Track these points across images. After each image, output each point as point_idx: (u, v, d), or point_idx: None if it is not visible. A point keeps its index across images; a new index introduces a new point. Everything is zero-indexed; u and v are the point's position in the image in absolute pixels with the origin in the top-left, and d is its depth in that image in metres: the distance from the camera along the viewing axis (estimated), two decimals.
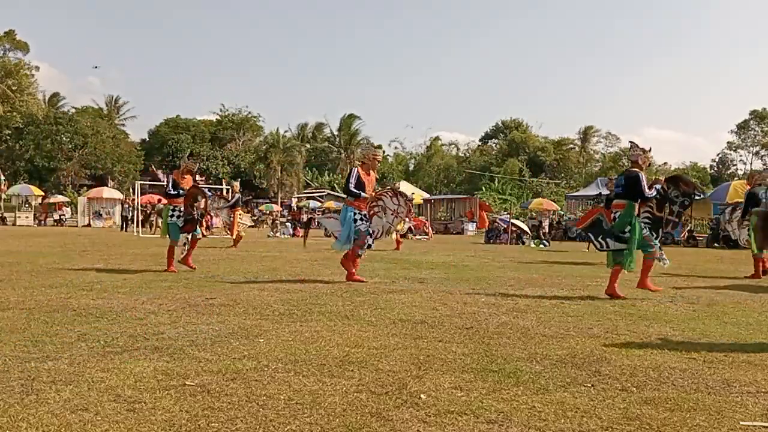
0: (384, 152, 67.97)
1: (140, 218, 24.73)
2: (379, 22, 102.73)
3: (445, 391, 3.08)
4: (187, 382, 3.12)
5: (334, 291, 6.85)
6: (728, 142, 62.38)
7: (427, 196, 36.85)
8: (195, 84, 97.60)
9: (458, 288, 7.33)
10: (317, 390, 3.04)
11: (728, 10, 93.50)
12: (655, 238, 6.89)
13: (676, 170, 57.64)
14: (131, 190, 33.50)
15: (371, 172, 7.88)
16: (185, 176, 9.20)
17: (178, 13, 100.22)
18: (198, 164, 10.46)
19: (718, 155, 63.39)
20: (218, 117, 62.68)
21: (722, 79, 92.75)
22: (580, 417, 2.72)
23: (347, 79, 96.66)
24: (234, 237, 15.26)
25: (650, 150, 6.97)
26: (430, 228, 25.22)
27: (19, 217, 34.36)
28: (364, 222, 7.70)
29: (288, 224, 27.28)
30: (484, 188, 49.22)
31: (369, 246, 7.96)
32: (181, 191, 8.94)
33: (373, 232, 7.90)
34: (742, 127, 60.84)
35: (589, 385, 3.22)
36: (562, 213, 32.31)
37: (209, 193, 9.21)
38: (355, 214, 7.66)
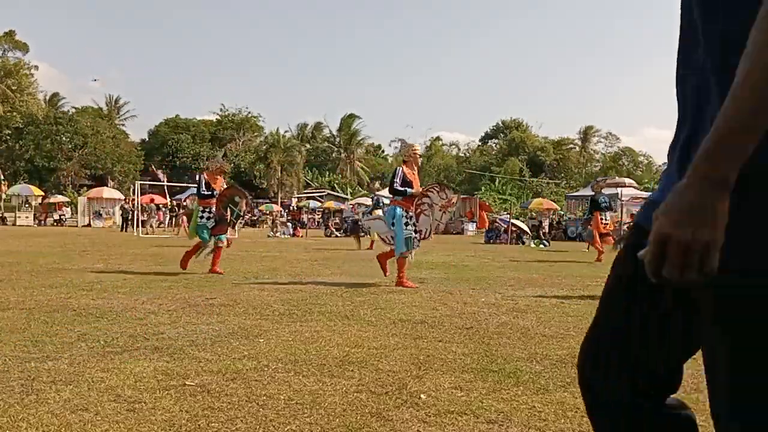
0: (384, 152, 68.13)
1: (140, 218, 24.73)
2: (380, 22, 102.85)
3: (445, 391, 3.08)
4: (187, 382, 3.12)
5: (334, 291, 6.85)
6: None
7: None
8: (195, 84, 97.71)
9: (458, 288, 7.33)
10: (317, 390, 3.04)
11: None
12: None
13: None
14: (131, 190, 33.50)
15: (414, 168, 7.66)
16: (218, 177, 8.99)
17: (178, 13, 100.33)
18: (228, 165, 10.23)
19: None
20: (218, 117, 62.68)
21: None
22: (580, 417, 2.72)
23: (347, 79, 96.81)
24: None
25: None
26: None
27: (19, 217, 34.35)
28: (412, 223, 7.41)
29: (288, 224, 27.29)
30: (484, 188, 49.22)
31: (416, 246, 7.60)
32: (214, 192, 8.72)
33: (420, 231, 7.59)
34: None
35: None
36: (562, 213, 32.31)
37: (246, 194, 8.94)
38: (403, 216, 7.36)
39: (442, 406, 2.84)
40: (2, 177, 37.45)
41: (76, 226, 32.20)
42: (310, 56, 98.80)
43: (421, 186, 7.71)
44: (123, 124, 62.09)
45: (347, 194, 47.26)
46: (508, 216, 25.58)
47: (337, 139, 62.49)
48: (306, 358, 3.70)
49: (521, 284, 7.88)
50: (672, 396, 1.22)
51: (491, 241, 21.88)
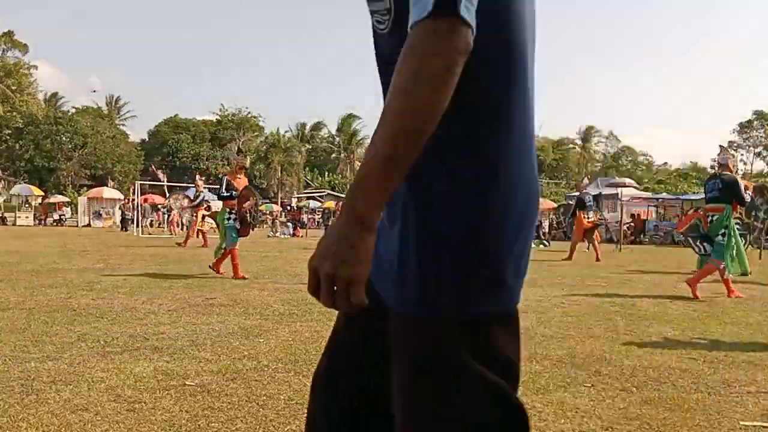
0: None
1: (138, 218, 24.72)
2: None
3: None
4: (187, 382, 3.12)
5: None
6: (729, 142, 62.40)
7: None
8: (195, 84, 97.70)
9: None
10: None
11: (728, 10, 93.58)
12: (744, 244, 7.04)
13: (676, 170, 57.73)
14: (131, 190, 33.51)
15: None
16: (239, 175, 8.66)
17: (178, 13, 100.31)
18: (248, 158, 9.83)
19: (718, 155, 63.35)
20: (218, 117, 62.68)
21: (722, 78, 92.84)
22: (580, 417, 2.72)
23: (347, 79, 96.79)
24: (187, 236, 14.99)
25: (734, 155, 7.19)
26: None
27: (19, 217, 34.32)
28: None
29: (288, 224, 27.28)
30: None
31: None
32: (234, 193, 8.40)
33: None
34: (745, 127, 60.85)
35: (589, 385, 3.22)
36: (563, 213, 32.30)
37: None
38: None
39: None
40: None
41: (76, 226, 32.20)
42: (311, 56, 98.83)
43: None
44: (123, 124, 62.16)
45: None
46: None
47: (337, 139, 62.49)
48: (306, 358, 3.69)
49: None
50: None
51: None
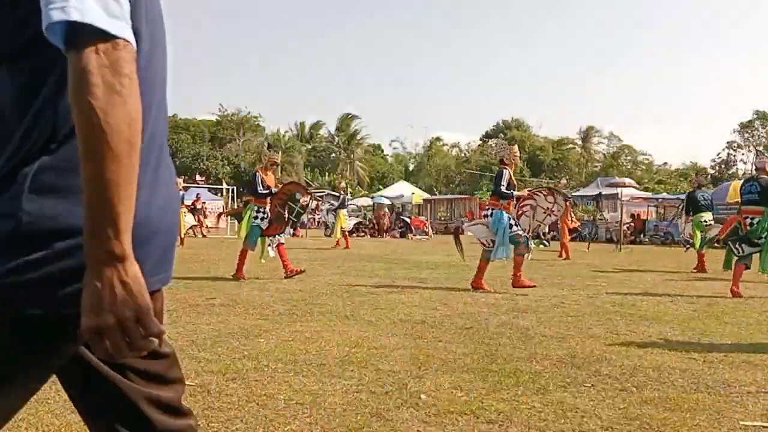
0: (383, 151, 68.13)
1: None
2: (380, 21, 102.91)
3: (445, 391, 3.08)
4: (187, 382, 3.12)
5: (334, 291, 6.85)
6: (728, 142, 62.44)
7: (427, 196, 36.85)
8: (195, 84, 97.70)
9: (458, 288, 7.33)
10: (317, 390, 3.04)
11: (728, 11, 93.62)
12: None
13: (676, 170, 57.73)
14: None
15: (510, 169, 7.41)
16: (269, 172, 8.30)
17: (178, 12, 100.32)
18: (279, 154, 9.14)
19: (718, 155, 63.36)
20: (217, 117, 62.71)
21: (722, 78, 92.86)
22: (580, 417, 2.72)
23: (347, 79, 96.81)
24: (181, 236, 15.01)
25: None
26: (430, 228, 25.20)
27: None
28: (516, 225, 7.22)
29: None
30: (484, 188, 49.22)
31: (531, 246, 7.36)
32: (272, 190, 8.07)
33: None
34: (746, 127, 60.87)
35: (589, 385, 3.23)
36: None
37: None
38: (509, 218, 7.14)
39: (442, 406, 2.84)
40: None
41: None
42: (310, 56, 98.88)
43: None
44: None
45: (347, 194, 47.24)
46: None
47: (336, 139, 62.50)
48: (306, 358, 3.70)
49: None
50: None
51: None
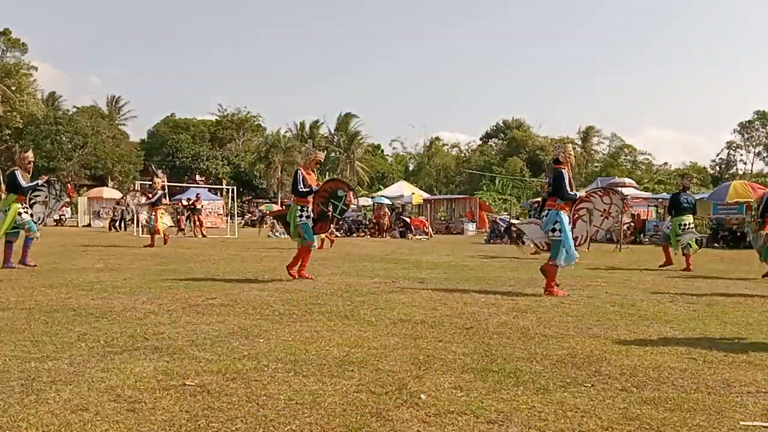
0: (383, 151, 68.05)
1: (138, 219, 24.67)
2: (380, 21, 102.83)
3: (445, 391, 3.08)
4: (187, 382, 3.12)
5: (334, 291, 6.85)
6: (728, 142, 62.44)
7: (427, 195, 36.85)
8: (195, 84, 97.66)
9: (458, 288, 7.33)
10: (317, 390, 3.04)
11: (728, 11, 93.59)
12: None
13: (676, 170, 57.67)
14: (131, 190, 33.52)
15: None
16: (310, 171, 8.09)
17: (178, 12, 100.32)
18: (323, 152, 9.08)
19: (718, 155, 63.36)
20: (217, 117, 62.71)
21: (722, 78, 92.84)
22: (580, 417, 2.72)
23: (347, 79, 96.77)
24: (156, 235, 14.93)
25: None
26: (430, 228, 25.20)
27: None
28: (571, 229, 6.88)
29: None
30: (484, 188, 49.21)
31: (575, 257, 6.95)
32: (313, 188, 7.88)
33: (575, 238, 7.03)
34: (746, 127, 60.87)
35: (589, 385, 3.22)
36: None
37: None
38: (567, 219, 6.81)
39: (442, 406, 2.84)
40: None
41: (76, 226, 32.21)
42: (310, 56, 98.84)
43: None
44: (123, 124, 62.14)
45: None
46: (508, 216, 25.56)
47: (335, 139, 62.47)
48: (306, 358, 3.70)
49: (521, 284, 7.87)
50: None
51: (491, 241, 21.87)
